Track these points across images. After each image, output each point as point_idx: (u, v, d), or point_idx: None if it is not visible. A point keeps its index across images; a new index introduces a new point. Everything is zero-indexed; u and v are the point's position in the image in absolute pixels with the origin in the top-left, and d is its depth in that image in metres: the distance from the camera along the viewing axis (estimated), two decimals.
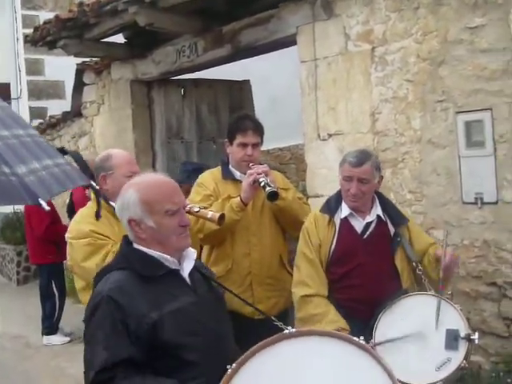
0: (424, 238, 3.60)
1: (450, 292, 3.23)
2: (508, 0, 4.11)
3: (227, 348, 2.29)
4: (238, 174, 3.81)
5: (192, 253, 2.44)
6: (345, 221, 3.37)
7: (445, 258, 3.19)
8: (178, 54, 6.91)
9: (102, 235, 3.11)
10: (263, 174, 3.58)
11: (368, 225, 3.36)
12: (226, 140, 3.92)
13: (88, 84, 8.79)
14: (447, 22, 4.41)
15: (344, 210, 3.37)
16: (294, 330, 2.08)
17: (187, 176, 5.29)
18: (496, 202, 4.23)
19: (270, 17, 5.72)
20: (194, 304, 2.29)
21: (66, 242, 8.14)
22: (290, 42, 5.76)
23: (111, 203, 3.20)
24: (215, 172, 3.93)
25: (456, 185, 4.41)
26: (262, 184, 3.52)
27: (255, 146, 3.80)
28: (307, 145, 5.48)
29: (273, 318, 2.45)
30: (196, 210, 3.18)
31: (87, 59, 8.45)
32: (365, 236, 3.35)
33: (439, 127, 4.49)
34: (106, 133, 8.54)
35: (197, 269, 2.45)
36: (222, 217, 3.20)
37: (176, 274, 2.35)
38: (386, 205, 3.48)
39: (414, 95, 4.63)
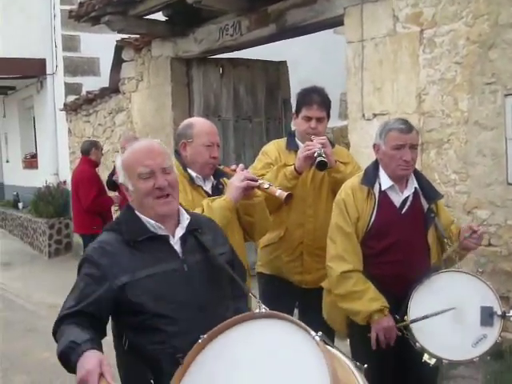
0: (447, 214, 3.53)
1: (481, 270, 3.24)
2: None
3: (211, 319, 2.10)
4: (301, 146, 3.76)
5: (184, 219, 2.44)
6: (383, 194, 3.24)
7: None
8: (221, 32, 7.02)
9: None
10: (319, 145, 3.58)
11: (405, 199, 3.25)
12: (294, 112, 3.94)
13: (127, 61, 8.92)
14: (499, 6, 4.48)
15: (384, 182, 3.25)
16: (263, 310, 1.95)
17: None
18: None
19: None
20: (175, 271, 2.30)
21: (111, 214, 8.21)
22: (336, 22, 5.85)
23: (188, 170, 3.30)
24: (280, 142, 3.98)
25: (502, 166, 4.49)
26: (315, 154, 3.54)
27: (320, 120, 3.79)
28: (351, 124, 5.58)
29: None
30: (266, 186, 3.20)
31: (126, 36, 8.56)
32: (403, 211, 3.24)
33: (487, 109, 4.57)
34: (144, 109, 8.67)
35: (195, 236, 2.43)
36: (289, 196, 3.20)
37: (166, 239, 2.36)
38: (421, 178, 3.36)
39: (463, 77, 4.70)
